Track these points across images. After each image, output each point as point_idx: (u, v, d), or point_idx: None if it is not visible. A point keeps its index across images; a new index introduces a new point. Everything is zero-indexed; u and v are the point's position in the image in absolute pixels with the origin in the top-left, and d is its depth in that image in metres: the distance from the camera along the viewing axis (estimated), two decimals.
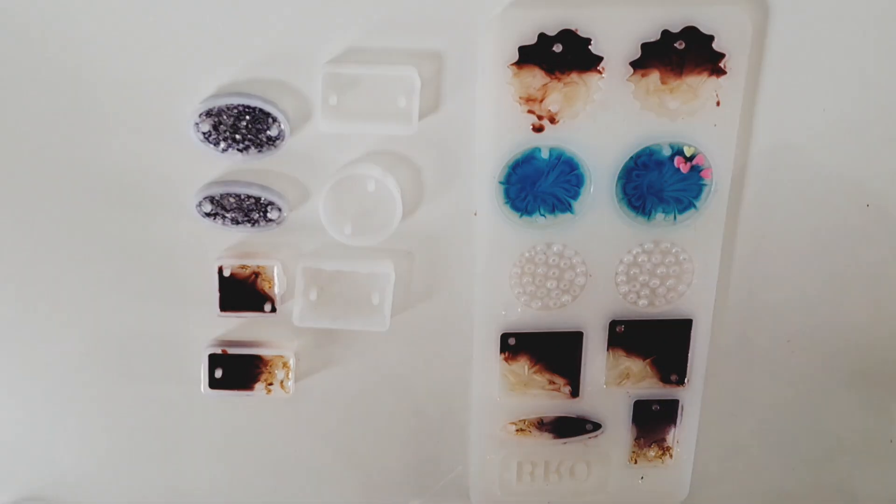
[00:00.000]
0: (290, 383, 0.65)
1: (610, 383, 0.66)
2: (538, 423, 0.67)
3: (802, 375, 0.68)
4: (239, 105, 0.57)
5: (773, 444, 0.71)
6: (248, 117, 0.57)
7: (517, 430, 0.68)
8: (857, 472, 0.73)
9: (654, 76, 0.57)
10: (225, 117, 0.57)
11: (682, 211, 0.61)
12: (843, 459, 0.73)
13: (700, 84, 0.57)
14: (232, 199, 0.60)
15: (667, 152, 0.59)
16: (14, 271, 0.63)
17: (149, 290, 0.63)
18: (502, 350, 0.64)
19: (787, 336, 0.67)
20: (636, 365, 0.65)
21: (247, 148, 0.58)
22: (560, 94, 0.57)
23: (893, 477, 0.74)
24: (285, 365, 0.65)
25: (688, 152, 0.59)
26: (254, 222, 0.60)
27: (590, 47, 0.56)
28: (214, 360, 0.65)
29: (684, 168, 0.59)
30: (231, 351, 0.65)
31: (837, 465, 0.73)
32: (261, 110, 0.57)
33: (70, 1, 0.55)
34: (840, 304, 0.64)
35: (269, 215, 0.60)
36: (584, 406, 0.67)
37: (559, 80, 0.56)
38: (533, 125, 0.58)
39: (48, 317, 0.64)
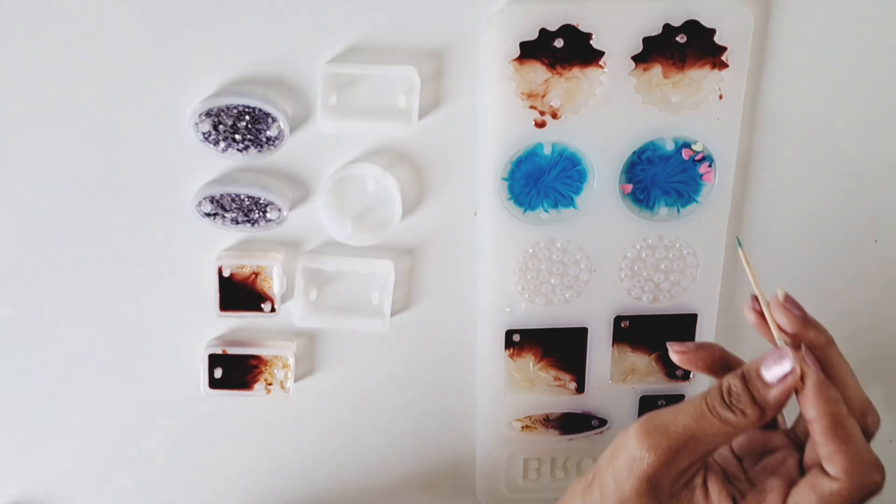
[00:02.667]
0: (289, 383, 0.67)
1: (615, 379, 0.67)
2: (544, 419, 0.69)
3: None
4: (239, 105, 0.58)
5: None
6: (247, 117, 0.59)
7: (523, 427, 0.69)
8: None
9: (657, 70, 0.59)
10: (225, 117, 0.59)
11: (684, 204, 0.63)
12: None
13: (702, 78, 0.59)
14: (232, 199, 0.61)
15: (670, 147, 0.61)
16: (14, 271, 0.64)
17: (149, 290, 0.65)
18: (507, 346, 0.66)
19: None
20: (641, 360, 0.67)
21: (247, 148, 0.60)
22: (562, 89, 0.59)
23: (893, 477, 0.74)
24: (285, 365, 0.67)
25: (696, 149, 0.61)
26: (254, 222, 0.62)
27: (591, 42, 0.58)
28: (214, 360, 0.66)
29: (686, 156, 0.61)
30: (231, 351, 0.66)
31: None
32: (261, 110, 0.58)
33: (70, 0, 0.57)
34: (842, 301, 0.65)
35: (268, 215, 0.62)
36: (589, 402, 0.69)
37: (561, 75, 0.58)
38: (535, 121, 0.60)
39: (48, 317, 0.66)
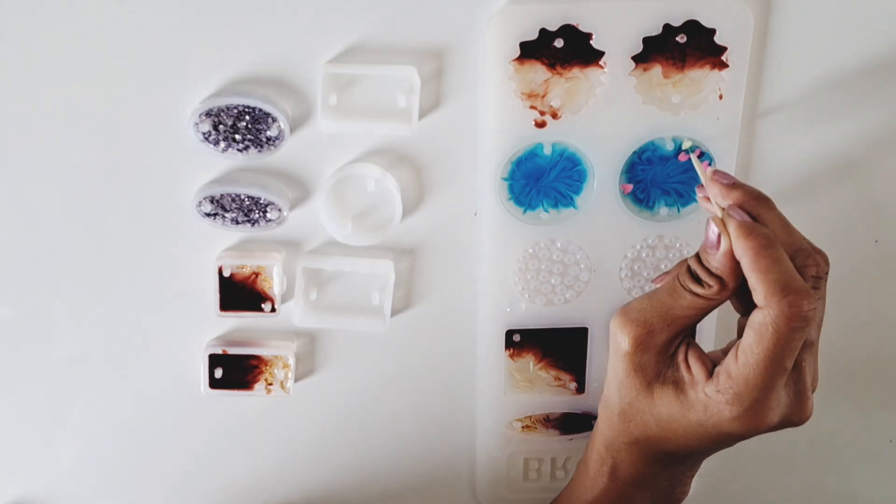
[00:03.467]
0: (290, 383, 0.68)
1: None
2: (544, 419, 0.70)
3: None
4: (239, 105, 0.59)
5: (773, 443, 0.71)
6: (248, 117, 0.59)
7: (523, 427, 0.70)
8: (857, 472, 0.75)
9: (657, 70, 0.59)
10: (225, 117, 0.59)
11: (684, 204, 0.63)
12: (843, 459, 0.75)
13: (702, 78, 0.59)
14: (232, 199, 0.62)
15: (670, 147, 0.61)
16: (14, 271, 0.64)
17: (149, 290, 0.65)
18: (507, 346, 0.67)
19: None
20: None
21: (247, 148, 0.60)
22: (562, 89, 0.59)
23: (893, 477, 0.76)
24: (285, 365, 0.67)
25: (684, 147, 0.61)
26: (254, 222, 0.62)
27: (591, 42, 0.58)
28: (214, 360, 0.67)
29: (682, 156, 0.62)
30: (231, 351, 0.67)
31: (837, 465, 0.75)
32: (261, 110, 0.59)
33: (70, 1, 0.57)
34: (841, 302, 0.64)
35: (268, 215, 0.62)
36: (589, 402, 0.69)
37: (561, 75, 0.59)
38: (535, 121, 0.60)
39: (48, 317, 0.66)
